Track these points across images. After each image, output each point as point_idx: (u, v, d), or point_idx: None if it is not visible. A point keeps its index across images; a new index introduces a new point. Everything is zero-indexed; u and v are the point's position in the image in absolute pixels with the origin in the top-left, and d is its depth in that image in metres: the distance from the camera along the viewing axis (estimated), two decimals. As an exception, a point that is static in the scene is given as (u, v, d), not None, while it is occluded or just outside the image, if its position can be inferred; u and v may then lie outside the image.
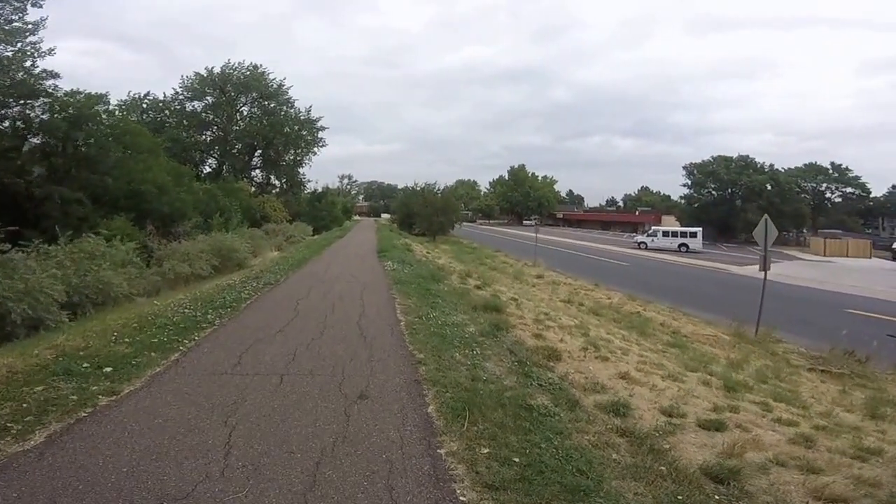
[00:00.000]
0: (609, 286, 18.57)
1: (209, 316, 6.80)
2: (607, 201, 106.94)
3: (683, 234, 41.46)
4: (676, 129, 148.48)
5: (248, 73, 34.54)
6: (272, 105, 35.51)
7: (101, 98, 18.06)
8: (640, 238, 42.85)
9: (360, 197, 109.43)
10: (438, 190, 39.56)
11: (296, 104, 36.59)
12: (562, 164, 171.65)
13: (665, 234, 41.72)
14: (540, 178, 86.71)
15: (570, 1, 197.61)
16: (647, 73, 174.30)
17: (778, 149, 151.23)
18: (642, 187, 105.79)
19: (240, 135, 34.04)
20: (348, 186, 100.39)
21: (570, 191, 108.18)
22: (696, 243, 40.62)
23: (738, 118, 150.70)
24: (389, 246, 18.87)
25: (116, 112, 30.75)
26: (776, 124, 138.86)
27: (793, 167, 59.54)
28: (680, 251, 39.28)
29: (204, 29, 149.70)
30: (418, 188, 41.28)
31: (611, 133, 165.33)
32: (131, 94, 31.99)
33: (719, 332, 11.65)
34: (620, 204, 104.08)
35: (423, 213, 34.40)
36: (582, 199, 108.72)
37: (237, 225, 17.79)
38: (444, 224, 34.78)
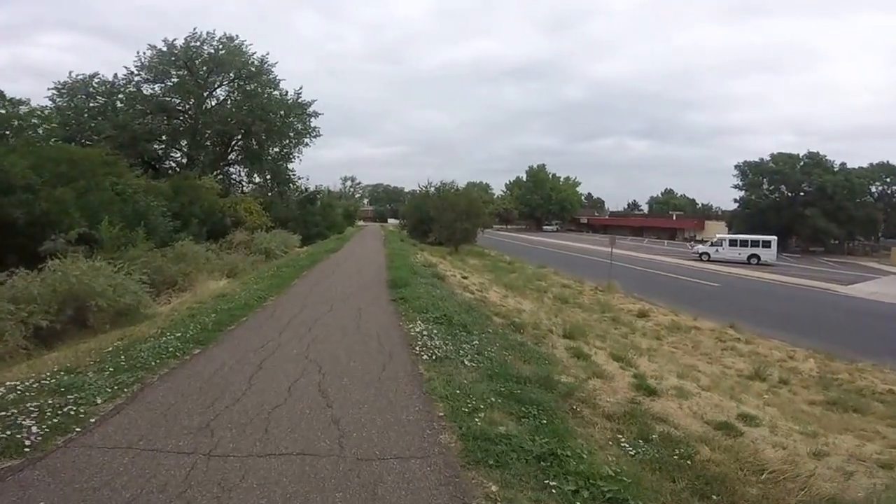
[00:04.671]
0: (747, 326, 12.90)
1: None
2: (629, 205, 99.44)
3: (754, 244, 34.44)
4: (692, 129, 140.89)
5: (222, 46, 27.46)
6: (253, 87, 28.46)
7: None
8: (701, 248, 35.89)
9: (366, 201, 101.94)
10: (458, 189, 32.44)
11: (282, 85, 29.49)
12: (574, 167, 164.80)
13: (732, 243, 34.60)
14: (562, 179, 79.03)
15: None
16: (667, 67, 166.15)
17: (797, 150, 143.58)
18: (666, 190, 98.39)
19: (210, 121, 26.94)
20: (351, 189, 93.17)
21: (590, 194, 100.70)
22: (769, 254, 33.90)
23: (755, 117, 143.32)
24: (407, 270, 11.52)
25: (55, 99, 24.26)
26: (796, 122, 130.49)
27: (856, 167, 51.84)
28: (750, 263, 32.45)
29: (190, 20, 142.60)
30: (433, 188, 34.43)
31: (624, 134, 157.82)
32: (73, 74, 25.22)
33: None
34: (644, 208, 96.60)
35: (442, 217, 27.02)
36: (603, 202, 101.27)
37: (145, 238, 10.71)
38: (468, 231, 27.35)
